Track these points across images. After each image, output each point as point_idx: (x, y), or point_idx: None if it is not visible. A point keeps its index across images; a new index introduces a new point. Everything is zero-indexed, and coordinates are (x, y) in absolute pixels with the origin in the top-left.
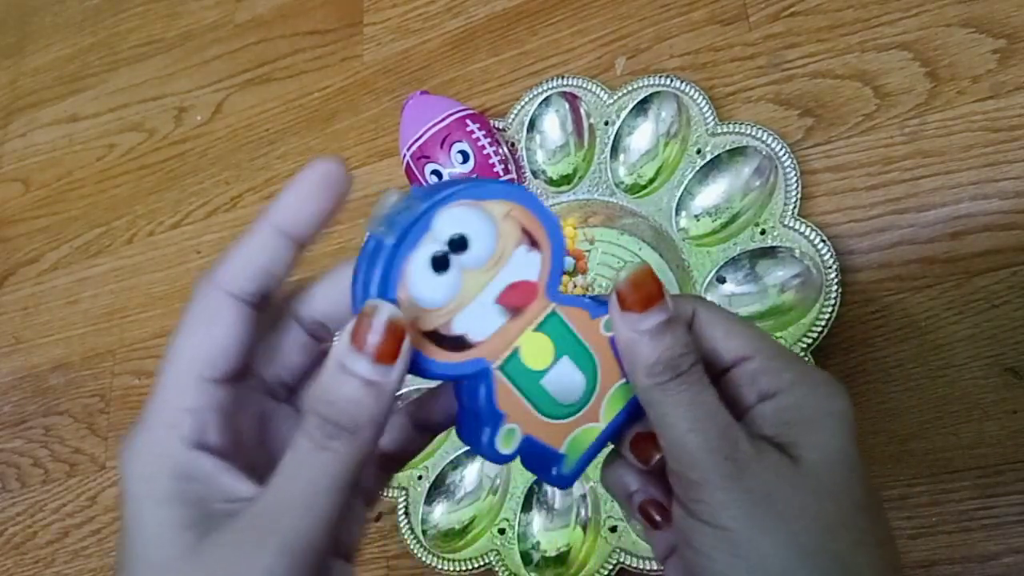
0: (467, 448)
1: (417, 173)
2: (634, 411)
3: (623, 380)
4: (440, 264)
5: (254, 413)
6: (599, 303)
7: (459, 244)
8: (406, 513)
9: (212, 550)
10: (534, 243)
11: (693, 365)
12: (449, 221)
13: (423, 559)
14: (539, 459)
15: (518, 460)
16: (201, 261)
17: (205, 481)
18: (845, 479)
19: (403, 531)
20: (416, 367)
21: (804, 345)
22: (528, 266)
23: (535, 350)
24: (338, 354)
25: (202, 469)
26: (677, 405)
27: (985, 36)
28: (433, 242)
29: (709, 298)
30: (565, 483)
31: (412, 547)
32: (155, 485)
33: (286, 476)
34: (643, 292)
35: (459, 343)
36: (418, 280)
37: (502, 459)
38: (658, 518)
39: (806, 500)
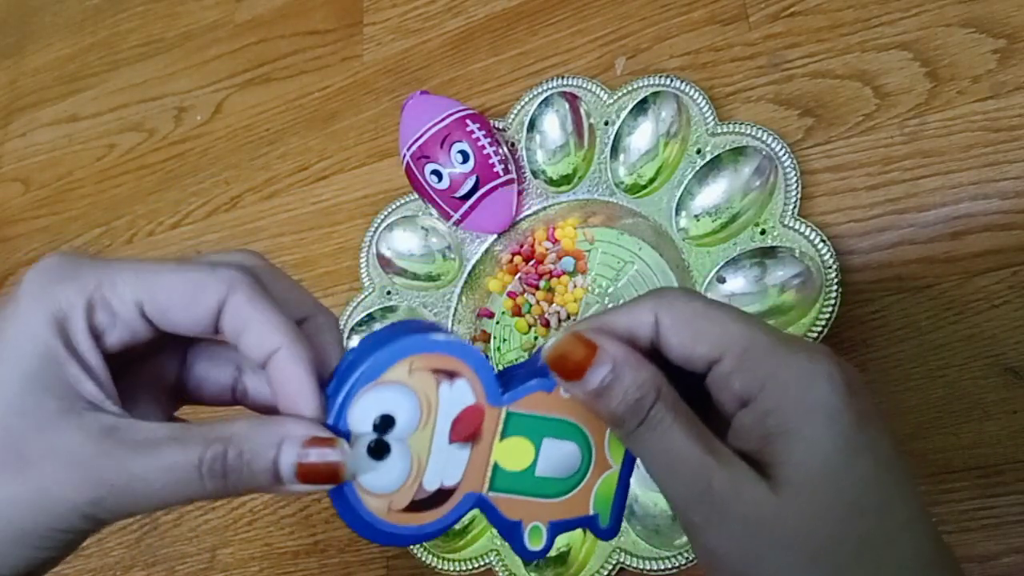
0: None
1: (417, 173)
2: None
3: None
4: (378, 451)
5: None
6: (545, 375)
7: (385, 424)
8: None
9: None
10: (452, 374)
11: (653, 405)
12: (362, 413)
13: (423, 559)
14: (582, 528)
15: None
16: None
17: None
18: (833, 489)
19: None
20: (423, 537)
21: None
22: (460, 395)
23: (512, 455)
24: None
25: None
26: (649, 455)
27: (985, 36)
28: (363, 437)
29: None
30: (612, 534)
31: (412, 547)
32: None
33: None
34: (571, 362)
35: (442, 495)
36: (371, 475)
37: (538, 556)
38: None
39: (789, 531)
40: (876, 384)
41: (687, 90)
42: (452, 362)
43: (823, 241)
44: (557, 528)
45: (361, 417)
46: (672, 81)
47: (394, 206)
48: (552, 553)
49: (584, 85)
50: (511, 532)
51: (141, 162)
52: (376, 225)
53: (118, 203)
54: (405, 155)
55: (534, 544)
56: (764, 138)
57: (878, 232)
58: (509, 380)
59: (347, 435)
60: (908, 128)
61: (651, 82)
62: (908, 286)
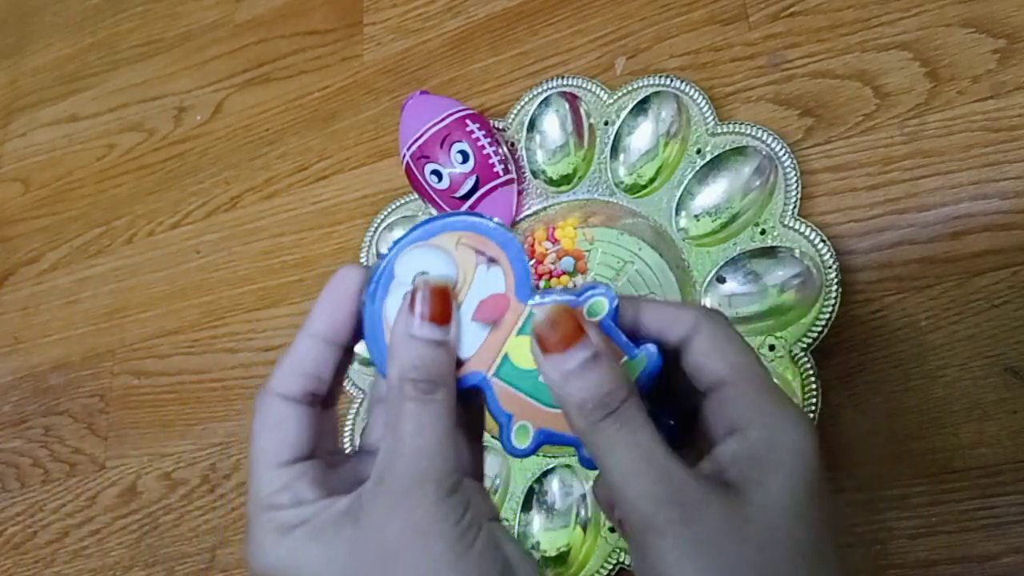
0: None
1: (417, 173)
2: (646, 384)
3: (624, 358)
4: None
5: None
6: (577, 293)
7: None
8: None
9: (368, 519)
10: (492, 260)
11: (625, 401)
12: (408, 265)
13: None
14: (564, 446)
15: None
16: (201, 261)
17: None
18: (791, 526)
19: None
20: None
21: (804, 345)
22: (493, 281)
23: (524, 352)
24: (402, 327)
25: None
26: (613, 447)
27: (985, 36)
28: (401, 286)
29: (709, 298)
30: (593, 465)
31: None
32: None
33: (410, 434)
34: (561, 331)
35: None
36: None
37: (521, 453)
38: None
39: (750, 551)
40: (876, 384)
41: (687, 90)
42: (495, 248)
43: (823, 241)
44: (544, 436)
45: (406, 268)
46: (672, 81)
47: (394, 206)
48: (552, 553)
49: (584, 85)
50: (501, 420)
51: (141, 162)
52: (376, 225)
53: (118, 203)
54: (405, 155)
55: (519, 442)
56: (764, 138)
57: (878, 232)
58: (543, 292)
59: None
60: (908, 128)
61: (651, 82)
62: (908, 286)
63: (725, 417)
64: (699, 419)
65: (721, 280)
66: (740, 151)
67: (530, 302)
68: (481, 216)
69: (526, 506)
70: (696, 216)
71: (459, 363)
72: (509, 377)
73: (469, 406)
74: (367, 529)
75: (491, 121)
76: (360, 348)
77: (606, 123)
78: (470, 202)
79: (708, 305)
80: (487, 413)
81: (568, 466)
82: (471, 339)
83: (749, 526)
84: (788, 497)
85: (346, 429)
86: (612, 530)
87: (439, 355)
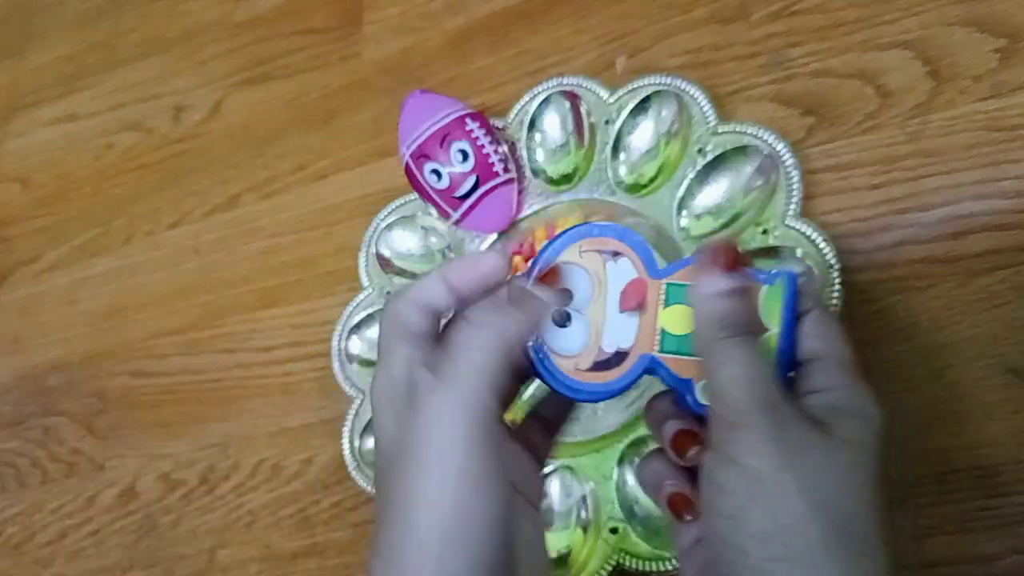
0: None
1: (417, 172)
2: (792, 301)
3: (765, 287)
4: (561, 320)
5: None
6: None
7: (564, 298)
8: None
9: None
10: (615, 253)
11: (750, 333)
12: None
13: None
14: None
15: None
16: (200, 261)
17: None
18: (868, 459)
19: None
20: (610, 393)
21: None
22: (624, 270)
23: (677, 320)
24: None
25: None
26: (733, 358)
27: (986, 35)
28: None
29: None
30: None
31: None
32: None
33: (460, 350)
34: (724, 259)
35: (619, 357)
36: (557, 340)
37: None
38: (684, 513)
39: (830, 463)
40: (878, 384)
41: (688, 89)
42: (614, 243)
43: (825, 241)
44: None
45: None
46: (673, 80)
47: (394, 206)
48: (552, 555)
49: (584, 84)
50: (683, 388)
51: (140, 161)
52: (376, 225)
53: (117, 203)
54: (404, 154)
55: (705, 399)
56: (766, 137)
57: (880, 232)
58: (671, 264)
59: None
60: (910, 127)
61: (652, 81)
62: (910, 286)
63: (811, 380)
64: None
65: None
66: (741, 150)
67: (662, 276)
68: (588, 223)
69: None
70: (697, 216)
71: (625, 355)
72: (674, 348)
73: (536, 429)
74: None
75: (491, 120)
76: (355, 348)
77: (607, 122)
78: (470, 201)
79: None
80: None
81: (569, 468)
82: (627, 329)
83: (832, 448)
84: (866, 439)
85: (345, 429)
86: (613, 531)
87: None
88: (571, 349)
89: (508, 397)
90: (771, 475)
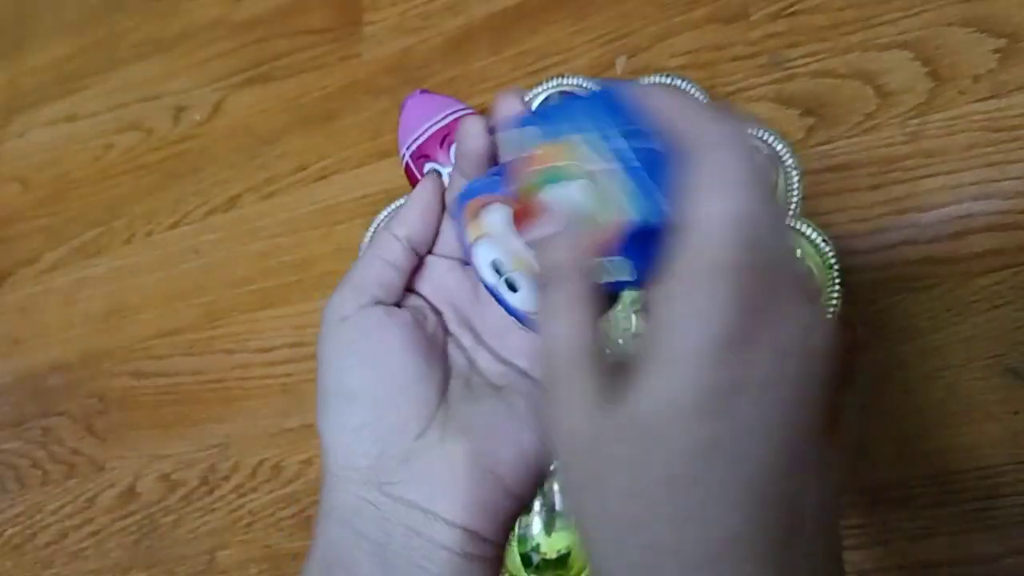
0: None
1: (417, 173)
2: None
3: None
4: (511, 287)
5: None
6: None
7: (497, 267)
8: None
9: None
10: (483, 204)
11: (570, 279)
12: (482, 263)
13: None
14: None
15: None
16: (200, 261)
17: None
18: (677, 430)
19: None
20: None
21: None
22: (497, 215)
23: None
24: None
25: None
26: (541, 312)
27: (986, 36)
28: (498, 283)
29: None
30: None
31: None
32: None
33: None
34: (526, 207)
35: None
36: (518, 301)
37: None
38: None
39: (621, 455)
40: (877, 385)
41: (688, 89)
42: (480, 201)
43: (824, 241)
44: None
45: (483, 266)
46: (673, 80)
47: (394, 206)
48: (552, 556)
49: (585, 84)
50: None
51: (139, 162)
52: (376, 225)
53: (116, 203)
54: (404, 154)
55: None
56: (766, 137)
57: (879, 232)
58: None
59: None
60: (909, 128)
61: (652, 81)
62: (909, 286)
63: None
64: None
65: None
66: None
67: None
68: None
69: (525, 509)
70: None
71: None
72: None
73: None
74: None
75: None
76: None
77: None
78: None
79: None
80: None
81: None
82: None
83: (627, 424)
84: (654, 407)
85: None
86: None
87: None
88: (528, 308)
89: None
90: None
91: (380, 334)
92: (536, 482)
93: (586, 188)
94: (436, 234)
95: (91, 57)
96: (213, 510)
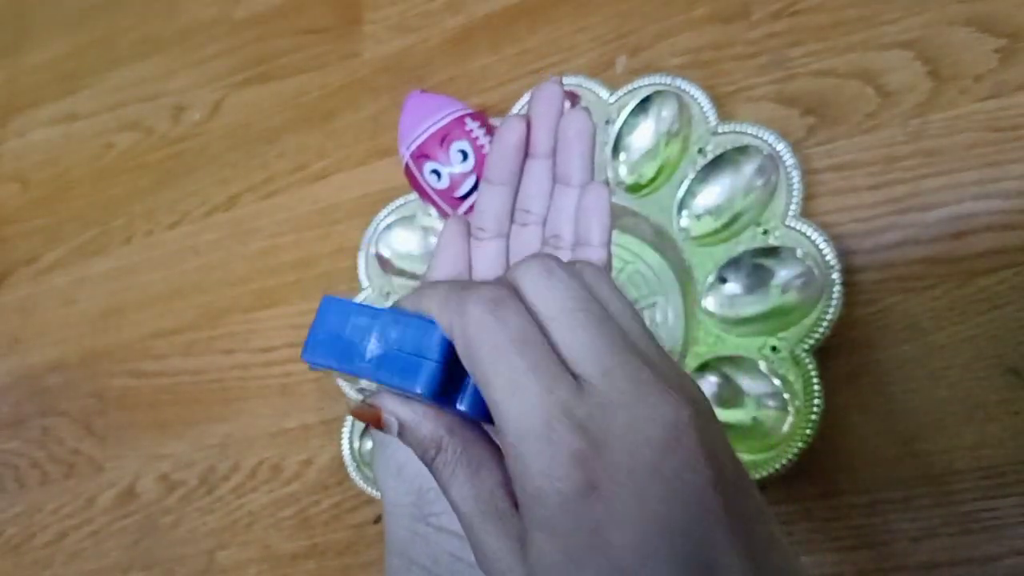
0: None
1: (416, 172)
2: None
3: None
4: None
5: None
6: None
7: None
8: None
9: None
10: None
11: (436, 456)
12: None
13: None
14: None
15: None
16: (199, 261)
17: None
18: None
19: None
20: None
21: (807, 346)
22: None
23: None
24: None
25: None
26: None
27: (987, 35)
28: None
29: (711, 298)
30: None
31: None
32: None
33: None
34: (369, 419)
35: None
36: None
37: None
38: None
39: None
40: (878, 385)
41: (688, 89)
42: None
43: (825, 241)
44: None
45: None
46: (673, 80)
47: (393, 206)
48: None
49: (585, 84)
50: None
51: (139, 161)
52: (375, 225)
53: (116, 203)
54: (404, 154)
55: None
56: (766, 137)
57: (880, 232)
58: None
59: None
60: (910, 127)
61: (652, 81)
62: (910, 286)
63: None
64: None
65: (723, 280)
66: (742, 150)
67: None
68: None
69: None
70: (697, 216)
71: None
72: None
73: None
74: None
75: (491, 120)
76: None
77: (607, 122)
78: (470, 201)
79: (709, 307)
80: None
81: None
82: None
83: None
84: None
85: (344, 430)
86: None
87: None
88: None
89: None
90: None
91: None
92: None
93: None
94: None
95: (90, 56)
96: (212, 510)
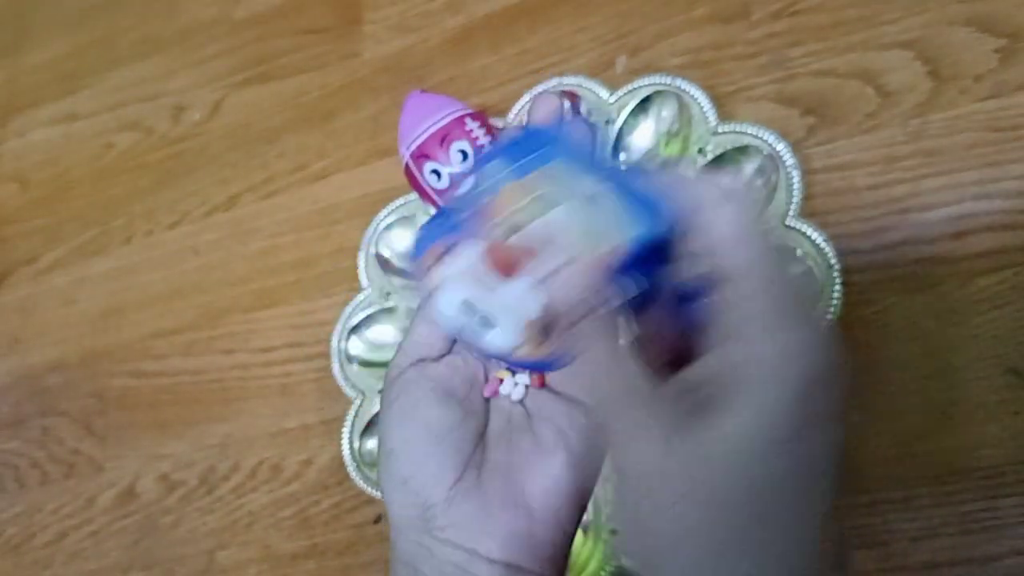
0: None
1: (416, 172)
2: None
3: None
4: (484, 324)
5: None
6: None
7: (467, 307)
8: None
9: None
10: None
11: (594, 320)
12: (447, 305)
13: None
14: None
15: None
16: (199, 261)
17: None
18: (738, 478)
19: None
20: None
21: None
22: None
23: None
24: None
25: None
26: (583, 355)
27: (987, 35)
28: (464, 325)
29: None
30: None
31: None
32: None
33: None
34: (501, 259)
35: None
36: (491, 339)
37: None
38: None
39: (680, 499)
40: (878, 385)
41: (688, 89)
42: (443, 244)
43: (825, 241)
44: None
45: (451, 308)
46: (673, 80)
47: (393, 205)
48: None
49: (585, 84)
50: None
51: (139, 161)
52: (375, 225)
53: (116, 203)
54: (404, 154)
55: None
56: (766, 137)
57: (881, 232)
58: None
59: None
60: (910, 127)
61: (652, 81)
62: (911, 286)
63: (720, 321)
64: (705, 315)
65: None
66: (742, 150)
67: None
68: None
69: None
70: None
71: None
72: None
73: None
74: None
75: (491, 120)
76: (355, 349)
77: (607, 122)
78: None
79: None
80: None
81: None
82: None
83: (686, 462)
84: (743, 439)
85: (344, 430)
86: (613, 532)
87: None
88: (510, 343)
89: None
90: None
91: (413, 391)
92: (574, 509)
93: (576, 212)
94: None
95: (90, 56)
96: (212, 510)
